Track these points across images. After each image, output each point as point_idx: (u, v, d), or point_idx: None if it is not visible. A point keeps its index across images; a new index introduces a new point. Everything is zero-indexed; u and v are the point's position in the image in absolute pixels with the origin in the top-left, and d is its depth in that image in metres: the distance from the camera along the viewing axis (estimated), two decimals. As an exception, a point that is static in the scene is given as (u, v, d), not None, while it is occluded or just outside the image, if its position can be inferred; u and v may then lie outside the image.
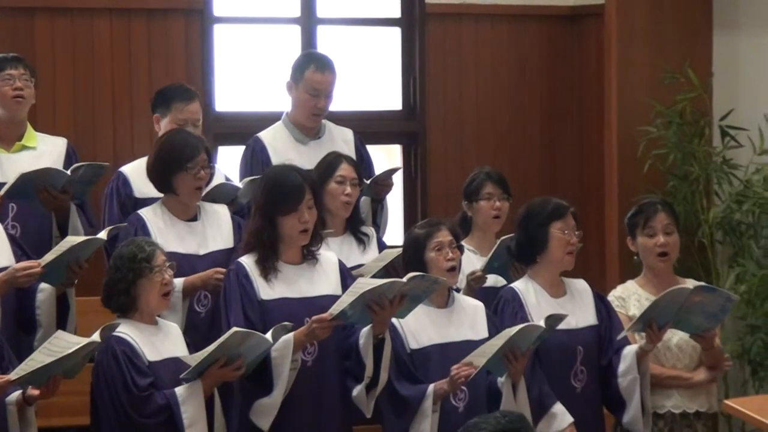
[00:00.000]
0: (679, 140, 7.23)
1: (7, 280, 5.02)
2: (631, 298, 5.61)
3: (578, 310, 5.40)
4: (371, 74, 7.61)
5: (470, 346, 5.11)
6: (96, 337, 4.58)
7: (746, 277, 6.93)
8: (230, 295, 5.05)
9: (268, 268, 5.06)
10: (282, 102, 6.43)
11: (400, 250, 5.42)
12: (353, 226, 5.83)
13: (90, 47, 6.94)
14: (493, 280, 5.73)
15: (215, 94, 7.18)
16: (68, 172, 5.53)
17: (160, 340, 4.90)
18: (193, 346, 4.96)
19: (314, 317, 4.90)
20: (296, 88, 6.21)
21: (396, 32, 7.63)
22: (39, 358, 4.43)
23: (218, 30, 7.25)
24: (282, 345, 4.90)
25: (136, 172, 5.74)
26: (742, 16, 7.38)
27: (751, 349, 6.96)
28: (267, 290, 5.06)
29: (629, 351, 5.33)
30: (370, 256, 5.70)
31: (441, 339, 5.17)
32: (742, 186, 7.20)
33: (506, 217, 5.91)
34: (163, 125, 5.93)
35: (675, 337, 5.53)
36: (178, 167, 5.38)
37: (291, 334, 4.91)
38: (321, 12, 7.43)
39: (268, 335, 4.81)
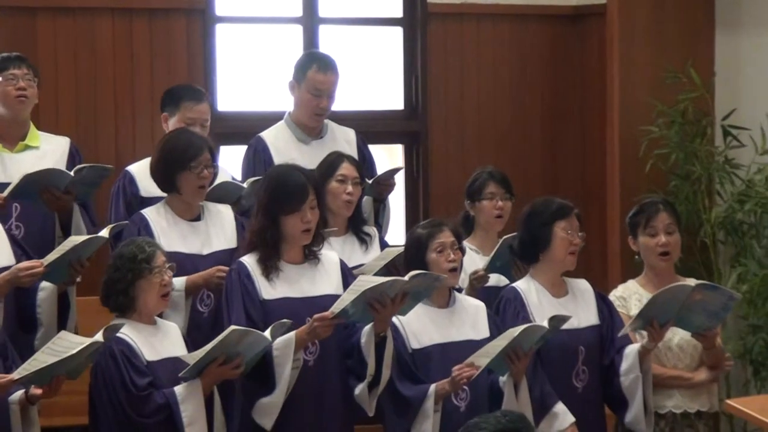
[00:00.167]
0: (681, 140, 7.23)
1: (9, 280, 5.03)
2: (632, 297, 5.61)
3: (580, 310, 5.40)
4: (373, 74, 7.61)
5: (471, 345, 5.11)
6: (99, 337, 4.58)
7: (748, 277, 6.94)
8: (232, 295, 5.06)
9: (270, 268, 5.07)
10: (284, 102, 6.44)
11: (401, 248, 5.43)
12: (355, 226, 5.83)
13: (92, 47, 6.94)
14: (496, 279, 5.73)
15: (217, 93, 7.18)
16: (71, 173, 5.53)
17: (159, 340, 4.90)
18: (195, 346, 4.94)
19: (316, 315, 4.91)
20: (298, 88, 6.21)
21: (398, 32, 7.63)
22: (42, 358, 4.43)
23: (220, 30, 7.25)
24: (284, 344, 4.90)
25: (142, 171, 5.74)
26: (745, 16, 7.38)
27: (753, 348, 6.96)
28: (269, 290, 5.06)
29: (631, 350, 5.34)
30: (372, 256, 5.70)
31: (442, 339, 5.18)
32: (744, 186, 7.21)
33: (508, 217, 5.91)
34: (171, 124, 5.94)
35: (676, 337, 5.53)
36: (181, 166, 5.38)
37: (292, 333, 4.91)
38: (323, 12, 7.43)
39: (267, 333, 4.82)
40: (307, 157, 5.96)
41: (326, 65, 6.22)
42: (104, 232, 5.17)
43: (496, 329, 5.23)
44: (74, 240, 5.14)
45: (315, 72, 6.18)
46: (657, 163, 7.20)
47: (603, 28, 7.47)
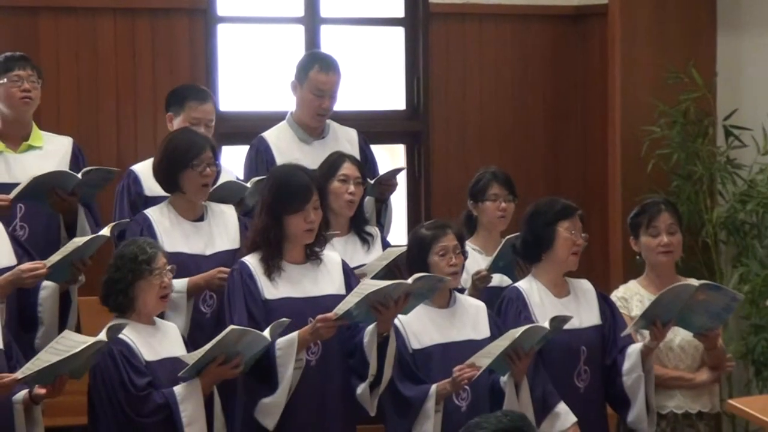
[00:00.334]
0: (683, 140, 7.23)
1: (12, 281, 5.02)
2: (633, 298, 5.61)
3: (582, 310, 5.41)
4: (375, 74, 7.61)
5: (472, 345, 5.12)
6: (103, 336, 4.59)
7: (750, 277, 6.94)
8: (234, 295, 5.06)
9: (272, 267, 5.07)
10: (286, 102, 6.44)
11: (403, 248, 5.43)
12: (357, 226, 5.83)
13: (93, 46, 6.93)
14: (498, 279, 5.73)
15: (219, 93, 7.16)
16: (79, 175, 5.54)
17: (158, 340, 4.90)
18: (198, 347, 4.92)
19: (319, 316, 4.91)
20: (301, 88, 6.22)
21: (399, 32, 7.63)
22: (45, 358, 4.44)
23: (222, 30, 7.25)
24: (286, 344, 4.91)
25: (146, 170, 5.73)
26: (746, 16, 7.38)
27: (755, 349, 6.96)
28: (271, 290, 5.07)
29: (633, 349, 5.34)
30: (374, 256, 5.69)
31: (443, 339, 5.18)
32: (745, 186, 7.21)
33: (511, 218, 5.91)
34: (176, 124, 5.94)
35: (677, 337, 5.53)
36: (183, 165, 5.38)
37: (295, 333, 4.92)
38: (324, 12, 7.43)
39: (266, 332, 4.82)
40: (309, 157, 5.95)
41: (328, 65, 6.22)
42: (105, 231, 5.18)
43: (496, 329, 5.23)
44: (77, 242, 5.14)
45: (317, 72, 6.18)
46: (659, 163, 7.20)
47: (605, 28, 7.47)
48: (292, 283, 5.10)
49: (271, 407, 4.96)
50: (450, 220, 5.54)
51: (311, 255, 5.18)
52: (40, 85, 5.86)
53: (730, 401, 5.19)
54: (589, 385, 5.37)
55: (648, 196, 6.34)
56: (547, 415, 5.19)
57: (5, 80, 5.75)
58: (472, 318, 5.27)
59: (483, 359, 4.98)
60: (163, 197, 5.54)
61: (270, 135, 6.24)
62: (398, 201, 7.02)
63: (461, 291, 5.48)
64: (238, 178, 6.06)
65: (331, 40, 7.40)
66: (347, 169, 5.74)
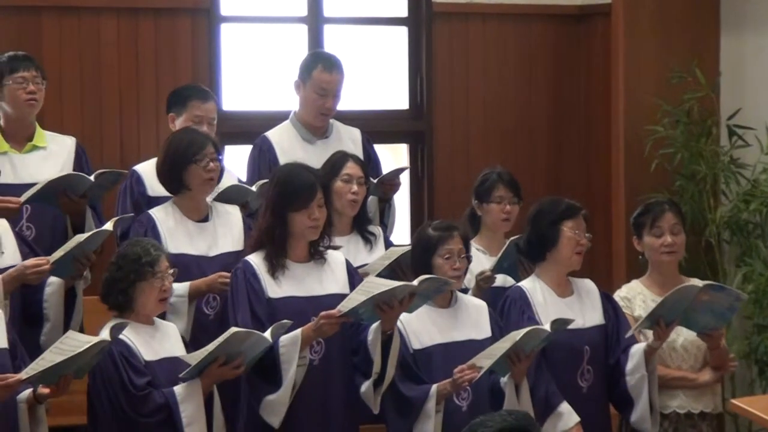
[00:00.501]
0: (687, 140, 7.22)
1: (16, 277, 5.02)
2: (636, 298, 5.60)
3: (585, 310, 5.41)
4: (378, 73, 7.61)
5: (473, 345, 5.12)
6: (106, 335, 4.59)
7: (753, 277, 6.93)
8: (237, 295, 5.06)
9: (276, 266, 5.07)
10: (289, 101, 6.44)
11: (406, 248, 5.43)
12: (360, 226, 5.84)
13: (97, 46, 6.94)
14: (502, 279, 5.72)
15: (222, 93, 7.18)
16: (92, 177, 5.54)
17: (157, 341, 4.90)
18: (201, 348, 4.95)
19: (323, 313, 4.91)
20: (304, 88, 6.22)
21: (403, 31, 7.63)
22: (50, 357, 4.44)
23: (225, 29, 7.25)
24: (290, 341, 4.91)
25: (149, 170, 5.74)
26: (750, 16, 7.37)
27: (758, 348, 6.95)
28: (275, 288, 5.07)
29: (637, 349, 5.34)
30: (377, 256, 5.70)
31: (444, 339, 5.18)
32: (749, 185, 7.20)
33: (515, 219, 5.90)
34: (179, 124, 5.94)
35: (680, 338, 5.53)
36: (186, 161, 5.38)
37: (299, 330, 4.92)
38: (328, 11, 7.44)
39: (267, 334, 4.82)
40: (313, 156, 5.95)
41: (331, 65, 6.22)
42: (108, 225, 5.18)
43: (498, 329, 5.23)
44: (79, 238, 5.15)
45: (320, 72, 6.18)
46: (662, 162, 7.20)
47: (608, 27, 7.46)
48: (296, 282, 5.10)
49: (275, 404, 4.96)
50: (455, 221, 5.54)
51: (315, 254, 5.18)
52: (44, 85, 5.86)
53: (733, 401, 5.18)
54: (592, 385, 5.37)
55: (651, 196, 6.34)
56: (550, 414, 5.20)
57: (10, 82, 5.74)
58: (473, 318, 5.27)
59: (484, 361, 4.98)
60: (167, 197, 5.54)
61: (273, 134, 6.25)
62: (401, 201, 7.03)
63: (465, 291, 5.48)
64: (240, 180, 6.06)
65: (334, 40, 7.40)
66: (350, 168, 5.74)
